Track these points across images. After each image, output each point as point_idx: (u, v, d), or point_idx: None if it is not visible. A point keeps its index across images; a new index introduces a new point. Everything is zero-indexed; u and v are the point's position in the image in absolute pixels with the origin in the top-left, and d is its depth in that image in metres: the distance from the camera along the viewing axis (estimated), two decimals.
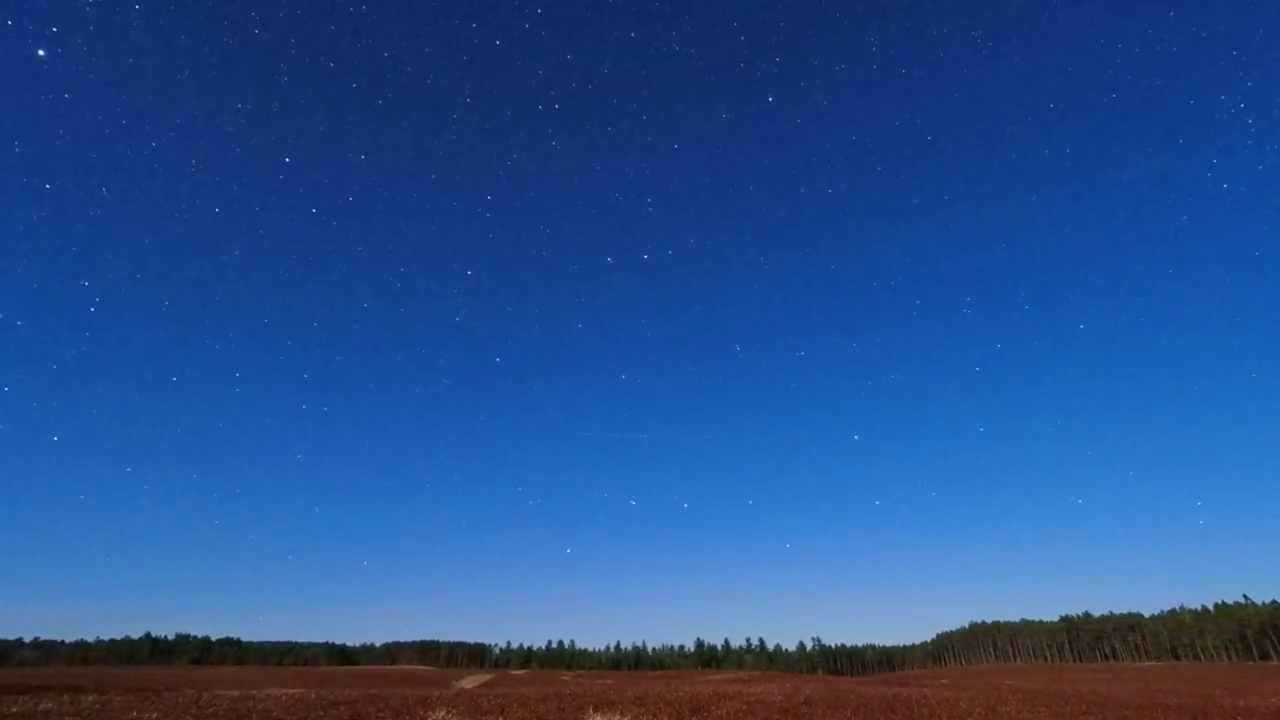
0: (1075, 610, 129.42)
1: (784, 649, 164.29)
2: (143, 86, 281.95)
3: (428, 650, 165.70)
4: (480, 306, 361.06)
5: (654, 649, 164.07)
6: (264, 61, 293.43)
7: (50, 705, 17.16)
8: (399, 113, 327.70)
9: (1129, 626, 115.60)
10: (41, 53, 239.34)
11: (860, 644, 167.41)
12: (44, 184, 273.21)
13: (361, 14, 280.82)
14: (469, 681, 57.28)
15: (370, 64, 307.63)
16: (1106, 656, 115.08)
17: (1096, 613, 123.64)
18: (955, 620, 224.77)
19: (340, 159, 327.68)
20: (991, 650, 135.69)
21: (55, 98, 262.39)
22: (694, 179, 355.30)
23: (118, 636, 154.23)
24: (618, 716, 16.03)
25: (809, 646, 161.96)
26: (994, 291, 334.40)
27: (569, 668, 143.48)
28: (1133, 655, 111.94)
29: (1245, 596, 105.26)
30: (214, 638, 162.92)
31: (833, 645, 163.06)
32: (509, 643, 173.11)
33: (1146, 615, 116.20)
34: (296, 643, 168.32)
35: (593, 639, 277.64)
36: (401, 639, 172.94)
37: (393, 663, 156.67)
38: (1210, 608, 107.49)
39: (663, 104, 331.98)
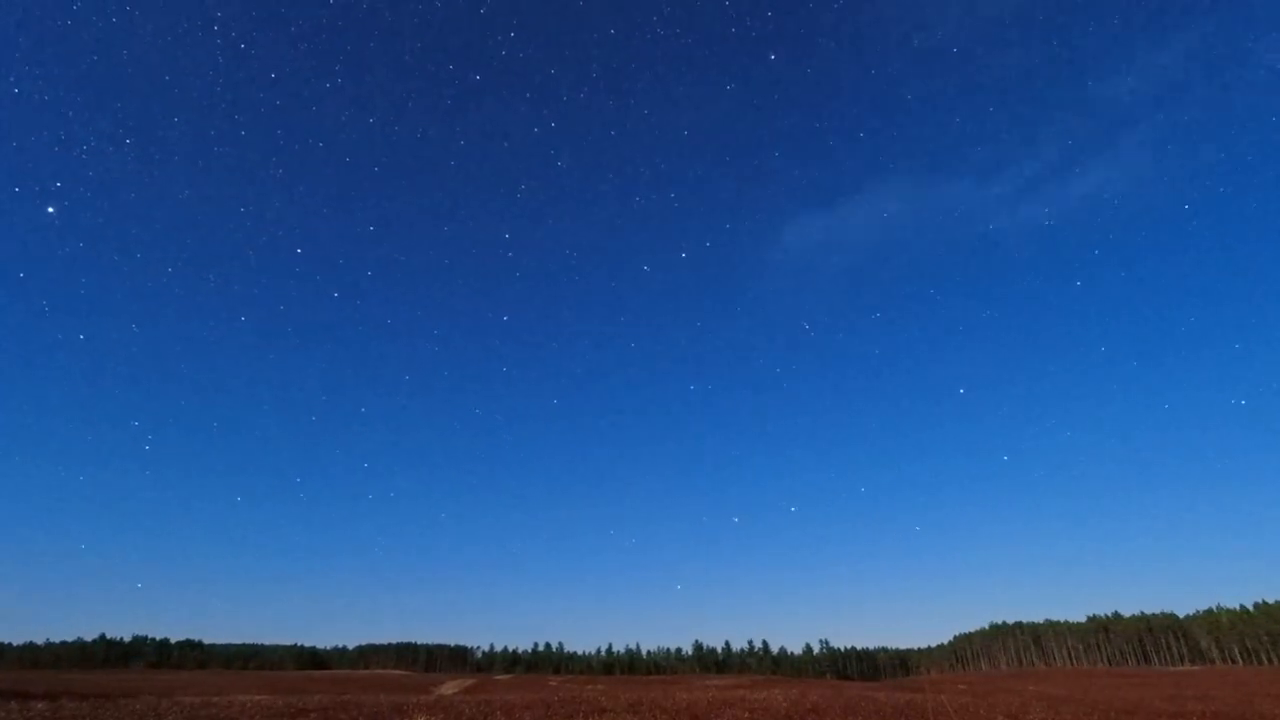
0: (1104, 610, 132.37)
1: (789, 651, 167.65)
2: (148, 215, 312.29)
3: (405, 653, 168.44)
4: (523, 351, 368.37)
5: (649, 652, 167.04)
6: (256, 158, 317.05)
7: None
8: (397, 175, 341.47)
9: (1163, 627, 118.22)
10: (50, 209, 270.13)
11: (872, 646, 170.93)
12: (78, 335, 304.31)
13: (338, 87, 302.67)
14: (449, 687, 58.42)
15: (358, 136, 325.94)
16: (1138, 660, 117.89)
17: (1127, 612, 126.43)
18: (975, 621, 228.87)
19: (348, 237, 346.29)
20: (1014, 653, 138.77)
21: (71, 248, 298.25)
22: (713, 161, 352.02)
23: (70, 638, 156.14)
24: None
25: (816, 649, 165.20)
26: (1002, 275, 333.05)
27: (558, 671, 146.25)
28: (1166, 658, 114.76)
29: None
30: (174, 640, 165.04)
31: (842, 648, 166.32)
32: (493, 645, 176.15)
33: (1181, 615, 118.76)
34: (263, 645, 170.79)
35: (583, 641, 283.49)
36: (376, 641, 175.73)
37: (367, 667, 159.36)
38: (1250, 607, 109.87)
39: (661, 93, 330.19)
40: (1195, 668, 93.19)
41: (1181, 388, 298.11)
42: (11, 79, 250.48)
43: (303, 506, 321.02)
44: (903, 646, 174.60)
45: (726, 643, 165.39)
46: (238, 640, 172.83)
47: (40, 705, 19.76)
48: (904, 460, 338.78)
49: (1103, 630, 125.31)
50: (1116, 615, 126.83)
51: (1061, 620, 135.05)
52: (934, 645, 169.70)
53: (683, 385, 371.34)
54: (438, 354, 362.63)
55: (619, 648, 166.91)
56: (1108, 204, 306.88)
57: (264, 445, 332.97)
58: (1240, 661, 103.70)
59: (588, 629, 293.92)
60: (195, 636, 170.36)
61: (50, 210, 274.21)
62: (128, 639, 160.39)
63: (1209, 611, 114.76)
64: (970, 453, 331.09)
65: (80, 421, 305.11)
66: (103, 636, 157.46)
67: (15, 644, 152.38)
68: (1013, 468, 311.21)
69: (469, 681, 69.70)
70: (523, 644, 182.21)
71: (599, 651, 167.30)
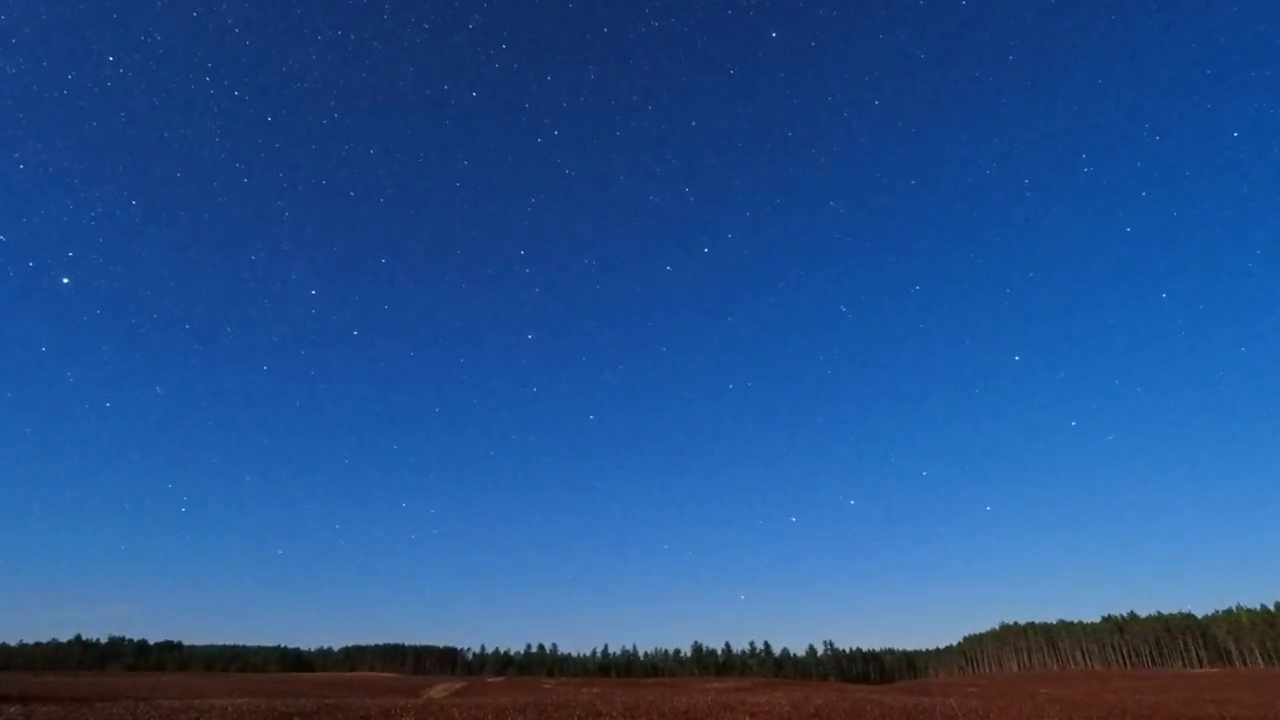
0: (1120, 610, 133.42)
1: (792, 653, 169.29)
2: (160, 274, 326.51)
3: (392, 655, 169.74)
4: (552, 369, 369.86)
5: (646, 653, 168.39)
6: (261, 204, 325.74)
7: None
8: (403, 204, 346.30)
9: (1181, 627, 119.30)
10: (65, 280, 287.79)
11: (878, 648, 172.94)
12: (104, 402, 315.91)
13: (335, 122, 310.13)
14: (439, 690, 58.82)
15: (360, 170, 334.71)
16: (1155, 661, 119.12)
17: (1144, 612, 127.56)
18: (985, 621, 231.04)
19: (362, 273, 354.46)
20: (1026, 655, 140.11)
21: (89, 316, 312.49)
22: (725, 149, 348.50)
23: (44, 639, 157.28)
24: None
25: (820, 651, 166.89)
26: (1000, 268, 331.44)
27: (551, 674, 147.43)
28: (1184, 660, 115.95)
29: None
30: (152, 641, 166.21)
31: (847, 649, 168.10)
32: (484, 646, 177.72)
33: (1200, 615, 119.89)
34: (245, 646, 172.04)
35: (578, 642, 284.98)
36: (363, 642, 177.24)
37: (353, 669, 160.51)
38: (1271, 606, 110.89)
39: (662, 86, 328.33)
40: (1214, 669, 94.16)
41: (1198, 382, 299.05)
42: (16, 155, 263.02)
43: (290, 505, 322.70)
44: (910, 648, 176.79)
45: (727, 644, 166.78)
46: (219, 642, 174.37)
47: (13, 709, 19.88)
48: (914, 454, 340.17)
49: (1118, 631, 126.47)
50: (1133, 615, 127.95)
51: (1075, 620, 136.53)
52: (943, 646, 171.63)
53: (720, 384, 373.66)
54: (464, 381, 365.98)
55: (615, 649, 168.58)
56: (1147, 140, 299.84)
57: (243, 442, 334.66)
58: (1261, 663, 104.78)
59: (583, 630, 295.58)
60: (175, 638, 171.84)
61: (65, 280, 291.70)
62: (104, 640, 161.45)
63: (1229, 611, 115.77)
64: (978, 449, 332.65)
65: (109, 484, 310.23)
66: (78, 638, 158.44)
67: None
68: (1022, 462, 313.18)
69: (459, 684, 70.27)
70: (515, 645, 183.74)
71: (594, 653, 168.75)
